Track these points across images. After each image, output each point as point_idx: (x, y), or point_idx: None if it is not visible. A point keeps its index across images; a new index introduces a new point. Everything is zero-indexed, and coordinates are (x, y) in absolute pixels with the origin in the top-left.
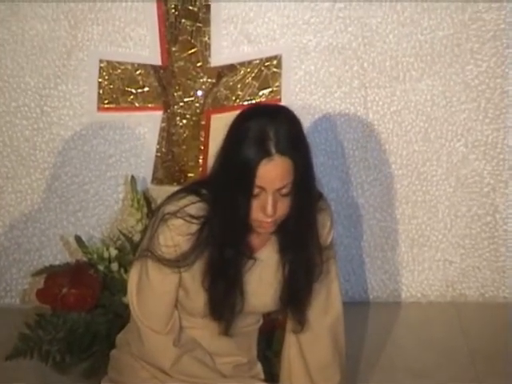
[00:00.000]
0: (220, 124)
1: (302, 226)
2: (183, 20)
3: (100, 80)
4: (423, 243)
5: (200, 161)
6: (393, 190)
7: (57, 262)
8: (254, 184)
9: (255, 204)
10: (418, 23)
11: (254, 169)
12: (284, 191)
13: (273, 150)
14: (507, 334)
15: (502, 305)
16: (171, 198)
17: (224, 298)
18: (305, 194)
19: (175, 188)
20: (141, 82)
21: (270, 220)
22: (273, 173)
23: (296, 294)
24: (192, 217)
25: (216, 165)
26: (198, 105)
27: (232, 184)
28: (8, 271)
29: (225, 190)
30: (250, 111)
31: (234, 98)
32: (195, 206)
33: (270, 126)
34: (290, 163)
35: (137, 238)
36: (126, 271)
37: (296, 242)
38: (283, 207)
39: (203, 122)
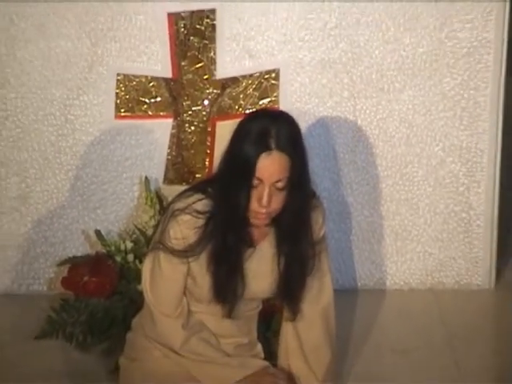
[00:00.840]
0: (224, 130)
1: (296, 222)
2: (191, 37)
3: (117, 91)
4: (406, 237)
5: (206, 163)
6: (378, 189)
7: (79, 254)
8: (253, 175)
9: (253, 195)
10: (401, 41)
11: (254, 161)
12: (279, 185)
13: (272, 146)
14: (480, 317)
15: (476, 291)
16: (180, 196)
17: (226, 281)
18: (299, 191)
19: (184, 187)
20: (153, 93)
21: (264, 211)
22: (271, 167)
23: (291, 287)
24: (198, 212)
25: (221, 164)
26: (204, 113)
27: (234, 175)
28: (36, 261)
29: (228, 181)
30: (254, 113)
31: (236, 107)
32: (201, 203)
33: (272, 126)
34: (287, 160)
35: (150, 232)
36: (141, 262)
37: (291, 237)
38: (278, 201)
39: (209, 129)
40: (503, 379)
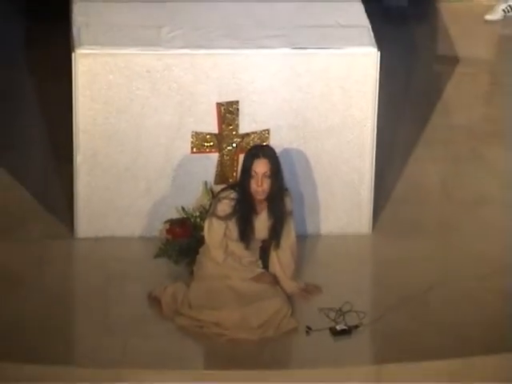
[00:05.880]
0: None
1: (277, 201)
2: (227, 114)
3: (192, 140)
4: (330, 208)
5: (234, 174)
6: (319, 187)
7: (174, 218)
8: (252, 170)
9: (252, 182)
10: (326, 116)
11: (251, 163)
12: (266, 174)
13: (260, 155)
14: (363, 249)
15: (361, 236)
16: (222, 190)
17: (246, 232)
18: (277, 182)
19: (224, 186)
20: (209, 140)
21: (260, 189)
22: (260, 164)
23: (277, 231)
24: (231, 198)
25: (239, 176)
26: (233, 151)
27: (244, 175)
28: (154, 221)
29: (242, 183)
30: (252, 147)
31: (248, 147)
32: (232, 194)
33: (259, 150)
34: (267, 161)
35: (207, 208)
36: (203, 222)
37: (275, 209)
38: (266, 184)
39: (235, 158)
40: (378, 283)
